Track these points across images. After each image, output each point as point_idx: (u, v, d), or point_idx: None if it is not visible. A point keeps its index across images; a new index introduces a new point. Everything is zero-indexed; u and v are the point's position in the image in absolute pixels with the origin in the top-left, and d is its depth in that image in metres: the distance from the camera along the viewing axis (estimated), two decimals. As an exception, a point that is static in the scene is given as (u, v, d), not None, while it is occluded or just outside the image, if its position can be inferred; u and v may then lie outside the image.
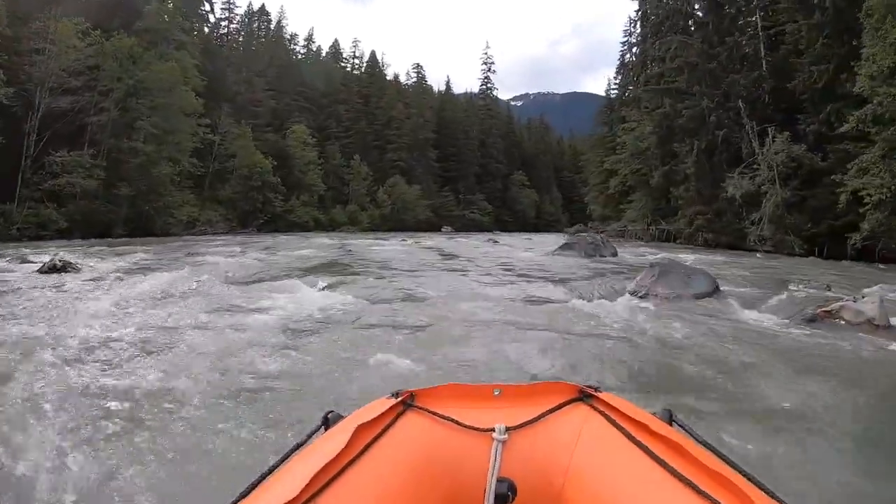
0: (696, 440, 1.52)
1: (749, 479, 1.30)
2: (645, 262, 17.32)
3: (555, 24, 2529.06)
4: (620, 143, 50.28)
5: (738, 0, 34.48)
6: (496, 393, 1.75)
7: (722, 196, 31.92)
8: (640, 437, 1.47)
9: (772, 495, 1.27)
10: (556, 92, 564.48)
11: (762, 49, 32.11)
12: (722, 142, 31.74)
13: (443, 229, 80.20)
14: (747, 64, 32.77)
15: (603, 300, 10.44)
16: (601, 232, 47.18)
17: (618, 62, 72.10)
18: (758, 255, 26.33)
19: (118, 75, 39.23)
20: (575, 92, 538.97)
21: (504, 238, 46.72)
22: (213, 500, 2.09)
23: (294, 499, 1.20)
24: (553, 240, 45.92)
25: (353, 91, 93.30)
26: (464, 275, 14.79)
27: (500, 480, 1.47)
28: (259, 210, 57.25)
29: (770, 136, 28.30)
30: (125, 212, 37.96)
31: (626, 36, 67.90)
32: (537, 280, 13.94)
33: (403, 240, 36.63)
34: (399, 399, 1.70)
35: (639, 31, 60.39)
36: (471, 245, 32.01)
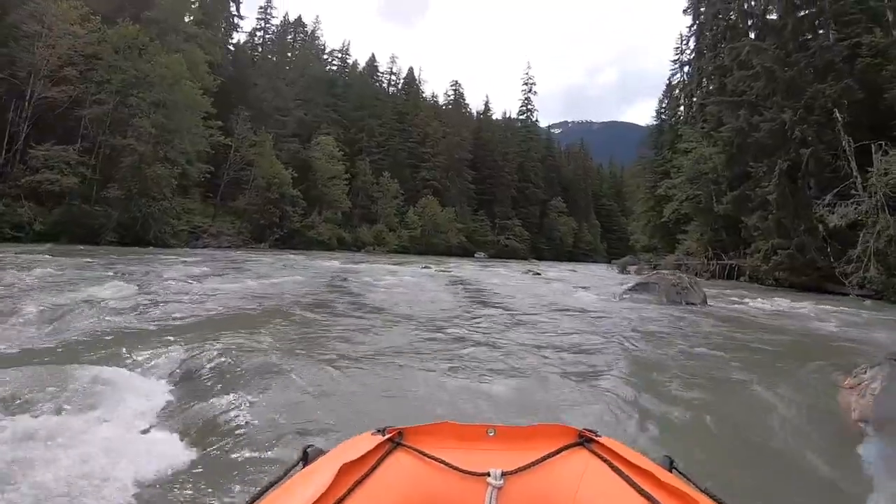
0: (698, 488, 1.43)
1: None
2: (763, 315, 13.66)
3: (594, 53, 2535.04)
4: (676, 166, 44.95)
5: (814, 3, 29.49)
6: (490, 433, 1.66)
7: (805, 228, 26.77)
8: (643, 485, 1.38)
9: None
10: (594, 121, 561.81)
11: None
12: (808, 162, 26.63)
13: (476, 255, 76.74)
14: (834, 72, 27.63)
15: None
16: (655, 266, 42.17)
17: (665, 84, 67.28)
18: (866, 301, 20.87)
19: (119, 65, 35.16)
20: (614, 121, 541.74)
21: (545, 268, 41.44)
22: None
23: None
24: (602, 273, 41.10)
25: (388, 106, 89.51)
26: (496, 345, 7.64)
27: None
28: (276, 225, 52.71)
29: (879, 154, 23.00)
30: (117, 217, 33.47)
31: (677, 54, 63.53)
32: (635, 361, 7.27)
33: (426, 266, 30.73)
34: (386, 437, 1.61)
35: (692, 46, 57.45)
36: (507, 277, 26.10)
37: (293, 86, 71.52)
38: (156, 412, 4.20)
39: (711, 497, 1.37)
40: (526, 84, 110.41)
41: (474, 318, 10.38)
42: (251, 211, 50.95)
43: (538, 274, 30.69)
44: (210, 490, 3.25)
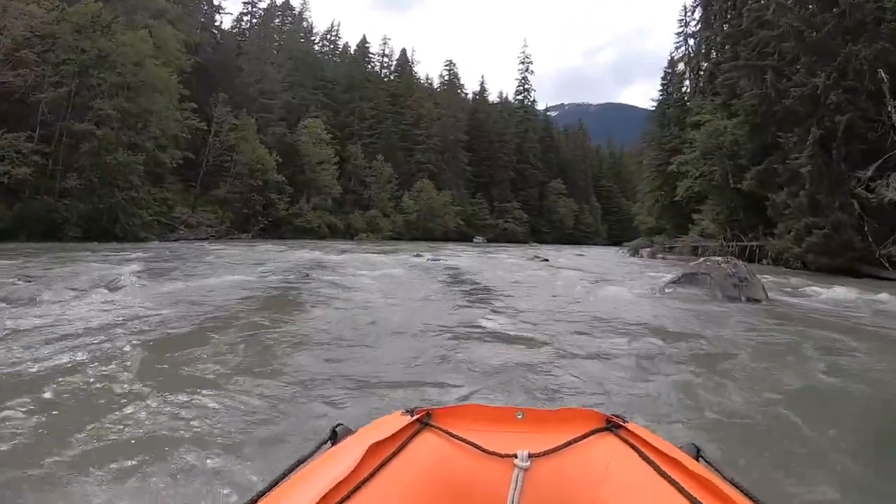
0: (724, 477, 1.40)
1: None
2: (855, 315, 10.40)
3: (590, 35, 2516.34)
4: (688, 140, 41.69)
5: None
6: (519, 416, 1.66)
7: (839, 204, 23.78)
8: (670, 472, 1.38)
9: None
10: (591, 103, 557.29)
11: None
12: (844, 131, 23.59)
13: (474, 239, 75.08)
14: (866, 33, 24.51)
15: None
16: (669, 249, 39.14)
17: (668, 58, 64.71)
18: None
19: (79, 45, 31.85)
20: (611, 103, 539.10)
21: (549, 253, 38.23)
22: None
23: None
24: (614, 258, 37.90)
25: (380, 88, 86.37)
26: (509, 383, 4.86)
27: None
28: (260, 213, 49.48)
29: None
30: (81, 210, 30.22)
31: (681, 26, 61.06)
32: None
33: (418, 254, 26.92)
34: (415, 417, 1.63)
35: (697, 17, 55.05)
36: (512, 267, 21.85)
37: (280, 69, 68.40)
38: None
39: (737, 487, 1.35)
40: (523, 63, 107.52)
41: (483, 356, 5.94)
42: (233, 199, 47.58)
43: (545, 260, 27.40)
44: (238, 467, 3.19)
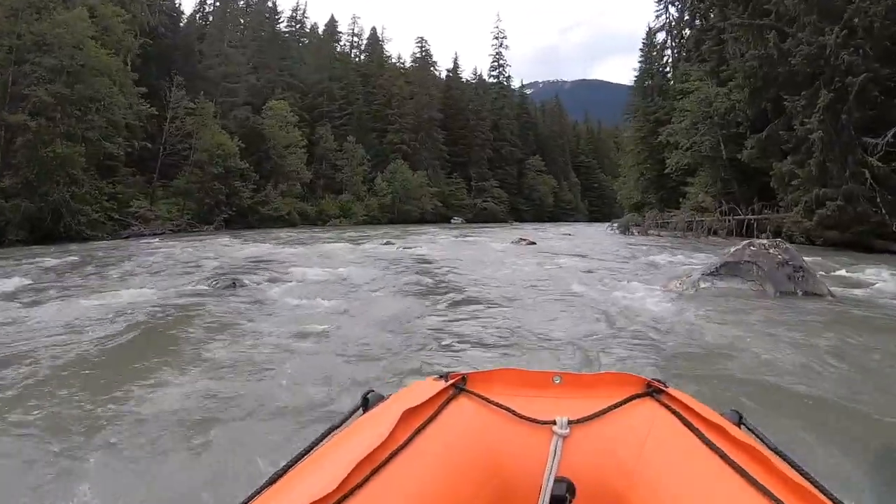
0: (767, 445, 1.39)
1: (822, 491, 1.18)
2: None
3: (563, 13, 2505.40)
4: (677, 108, 39.33)
5: None
6: (556, 381, 1.62)
7: (850, 173, 21.64)
8: (713, 438, 1.33)
9: None
10: (565, 80, 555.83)
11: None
12: (857, 94, 21.34)
13: (452, 220, 72.85)
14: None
15: None
16: (662, 225, 36.82)
17: (647, 28, 62.55)
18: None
19: (15, 30, 28.77)
20: (585, 79, 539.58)
21: (534, 233, 35.75)
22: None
23: (337, 488, 1.10)
24: (604, 237, 34.81)
25: (350, 67, 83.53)
26: None
27: (558, 480, 1.34)
28: (223, 203, 46.15)
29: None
30: (24, 210, 27.24)
31: (660, -8, 58.19)
32: None
33: (389, 242, 23.74)
34: (449, 382, 1.60)
35: None
36: (496, 255, 18.78)
37: (245, 51, 65.35)
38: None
39: (781, 455, 1.33)
40: (497, 38, 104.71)
41: None
42: (194, 189, 44.23)
43: (532, 244, 24.06)
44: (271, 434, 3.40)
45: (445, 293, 9.85)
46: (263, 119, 56.29)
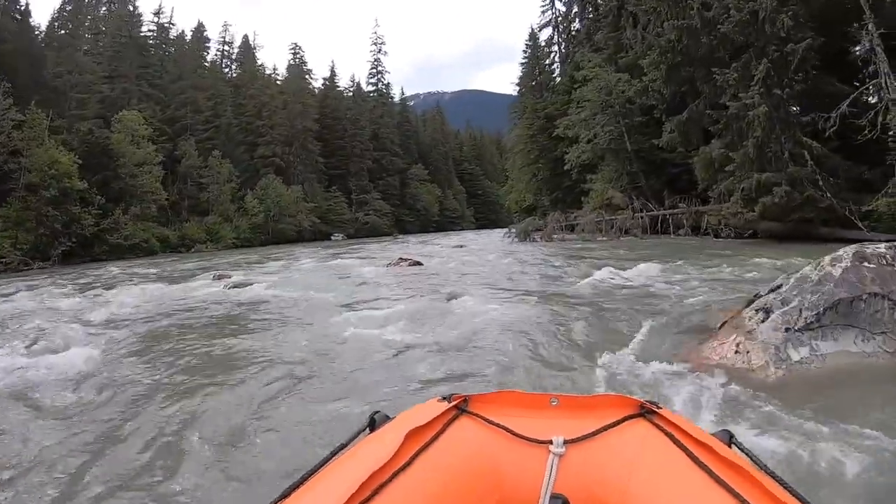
0: (757, 464, 1.41)
1: None
2: None
3: (442, 23, 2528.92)
4: (576, 99, 35.57)
5: None
6: (553, 403, 1.67)
7: (789, 155, 18.38)
8: (702, 457, 1.38)
9: None
10: (446, 90, 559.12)
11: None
12: (798, 65, 18.05)
13: (332, 237, 68.73)
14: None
15: None
16: (569, 228, 32.81)
17: (534, 28, 60.26)
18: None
19: None
20: (465, 89, 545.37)
21: (418, 247, 31.12)
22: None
23: None
24: (496, 246, 29.49)
25: (217, 76, 77.41)
26: None
27: (553, 496, 1.41)
28: (60, 233, 38.70)
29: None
30: None
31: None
32: None
33: (222, 275, 16.62)
34: (452, 404, 1.66)
35: None
36: (356, 283, 13.83)
37: (99, 58, 59.48)
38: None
39: (770, 474, 1.35)
40: (375, 44, 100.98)
41: None
42: (24, 219, 37.12)
43: (417, 264, 17.83)
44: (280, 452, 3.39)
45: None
46: (111, 133, 48.80)
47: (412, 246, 34.86)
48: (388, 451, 1.33)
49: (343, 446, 1.49)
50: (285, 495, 1.25)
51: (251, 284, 13.91)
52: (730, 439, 1.55)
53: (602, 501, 1.43)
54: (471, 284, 12.56)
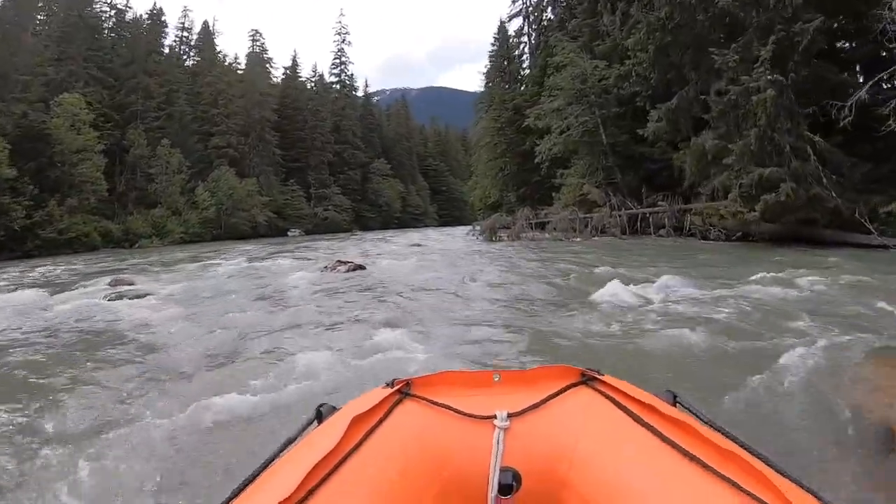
0: (701, 420, 1.45)
1: (756, 455, 1.25)
2: None
3: (410, 21, 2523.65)
4: (549, 87, 32.86)
5: None
6: (496, 379, 1.69)
7: (791, 148, 16.15)
8: (645, 417, 1.42)
9: (779, 470, 1.22)
10: (412, 87, 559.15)
11: None
12: (806, 48, 15.89)
13: (289, 232, 65.95)
14: None
15: None
16: (538, 226, 30.22)
17: (504, 19, 58.09)
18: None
19: None
20: (431, 87, 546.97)
21: (372, 244, 28.47)
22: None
23: (290, 495, 1.16)
24: (459, 245, 27.33)
25: (174, 63, 73.54)
26: None
27: (503, 469, 1.43)
28: None
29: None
30: None
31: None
32: None
33: (115, 282, 13.90)
34: (395, 388, 1.66)
35: None
36: (291, 295, 10.89)
37: (47, 39, 56.13)
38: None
39: (714, 427, 1.40)
40: (339, 34, 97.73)
41: None
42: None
43: (359, 268, 14.67)
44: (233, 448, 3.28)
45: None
46: (51, 117, 45.17)
47: (367, 243, 32.17)
48: (333, 439, 1.32)
49: (291, 440, 1.47)
50: (235, 495, 1.24)
51: (144, 297, 11.12)
52: (674, 399, 1.57)
53: (551, 469, 1.44)
54: (416, 304, 9.21)
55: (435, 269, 15.46)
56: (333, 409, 1.61)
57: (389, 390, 1.62)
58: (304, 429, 1.55)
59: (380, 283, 12.12)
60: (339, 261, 15.61)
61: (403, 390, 1.64)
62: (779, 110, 16.14)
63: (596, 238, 25.30)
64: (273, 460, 1.37)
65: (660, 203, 25.03)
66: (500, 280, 12.08)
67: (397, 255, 20.64)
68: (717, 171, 18.92)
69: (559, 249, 20.21)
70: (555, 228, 27.92)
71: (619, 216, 26.20)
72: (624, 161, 28.35)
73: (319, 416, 1.59)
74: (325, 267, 15.07)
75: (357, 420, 1.43)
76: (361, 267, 14.90)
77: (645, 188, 26.84)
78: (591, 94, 28.64)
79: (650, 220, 25.19)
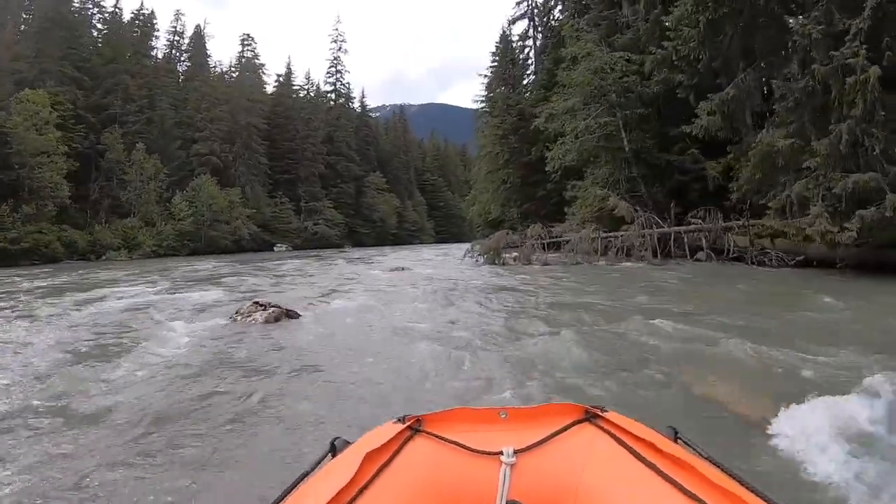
0: (702, 456, 1.48)
1: (756, 494, 1.26)
2: None
3: (410, 40, 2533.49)
4: (562, 83, 28.50)
5: None
6: (503, 416, 1.72)
7: (882, 151, 12.12)
8: (647, 455, 1.44)
9: None
10: (412, 104, 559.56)
11: None
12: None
13: (276, 248, 62.81)
14: None
15: None
16: (552, 246, 25.64)
17: (501, 31, 55.72)
18: None
19: None
20: (431, 103, 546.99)
21: (347, 268, 24.31)
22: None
23: None
24: (451, 271, 21.83)
25: (162, 66, 70.65)
26: None
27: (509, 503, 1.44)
28: None
29: None
30: None
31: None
32: None
33: None
34: (406, 424, 1.68)
35: None
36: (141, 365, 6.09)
37: (24, 36, 54.02)
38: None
39: (714, 464, 1.42)
40: (335, 41, 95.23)
41: None
42: None
43: (289, 316, 9.44)
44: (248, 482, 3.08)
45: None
46: (10, 116, 41.08)
47: (345, 265, 27.74)
48: (347, 474, 1.35)
49: (306, 474, 1.48)
50: None
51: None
52: (675, 435, 1.60)
53: None
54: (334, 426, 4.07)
55: (412, 312, 10.36)
56: (347, 444, 1.63)
57: (401, 426, 1.64)
58: (319, 462, 1.55)
59: (297, 355, 6.81)
60: (256, 303, 10.18)
61: (414, 426, 1.66)
62: (875, 99, 12.03)
63: (626, 263, 20.93)
64: (290, 492, 1.37)
65: (694, 220, 20.83)
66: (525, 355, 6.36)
67: (365, 288, 15.29)
68: (787, 178, 14.58)
69: (603, 281, 15.31)
70: (573, 250, 23.15)
71: (651, 235, 21.79)
72: (649, 170, 24.23)
73: (333, 450, 1.60)
74: (237, 312, 9.77)
75: (371, 456, 1.46)
76: (290, 314, 9.69)
77: (675, 202, 22.57)
78: (612, 92, 24.59)
79: (685, 240, 20.89)
